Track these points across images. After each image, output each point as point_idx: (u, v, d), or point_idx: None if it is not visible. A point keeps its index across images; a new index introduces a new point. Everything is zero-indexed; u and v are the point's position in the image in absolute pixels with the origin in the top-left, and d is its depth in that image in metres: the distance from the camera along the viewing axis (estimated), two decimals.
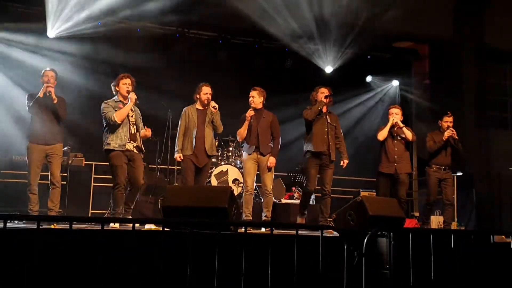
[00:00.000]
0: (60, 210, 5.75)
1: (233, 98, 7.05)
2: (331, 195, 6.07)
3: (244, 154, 6.04)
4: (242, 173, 7.20)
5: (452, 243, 3.22)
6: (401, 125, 6.38)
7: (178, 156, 5.92)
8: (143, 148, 5.77)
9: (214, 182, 7.53)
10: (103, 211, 7.19)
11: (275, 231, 2.89)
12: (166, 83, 8.15)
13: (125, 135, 5.47)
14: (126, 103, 5.54)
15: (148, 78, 7.24)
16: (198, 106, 6.06)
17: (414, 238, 3.10)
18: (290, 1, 8.47)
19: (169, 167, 7.65)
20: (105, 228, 2.69)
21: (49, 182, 5.67)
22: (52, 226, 4.50)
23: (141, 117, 5.84)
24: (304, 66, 9.75)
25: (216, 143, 8.00)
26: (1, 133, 7.77)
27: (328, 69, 9.78)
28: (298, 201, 7.97)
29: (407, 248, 3.07)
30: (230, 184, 7.57)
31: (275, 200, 7.29)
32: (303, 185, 8.28)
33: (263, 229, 5.15)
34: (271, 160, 5.96)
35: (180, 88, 7.70)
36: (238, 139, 6.13)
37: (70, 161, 7.16)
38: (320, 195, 6.03)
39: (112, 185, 5.55)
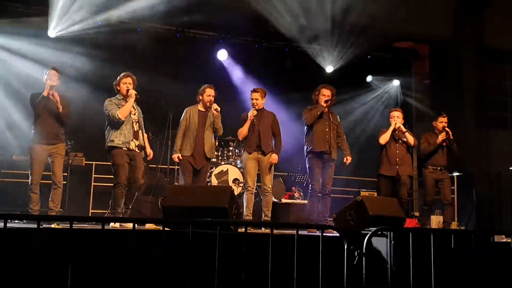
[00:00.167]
0: (61, 210, 5.75)
1: (233, 98, 7.06)
2: (331, 195, 6.09)
3: (245, 154, 6.04)
4: (242, 173, 7.21)
5: (452, 243, 3.22)
6: (404, 129, 6.38)
7: (175, 156, 5.94)
8: (145, 144, 5.78)
9: (214, 182, 7.53)
10: (103, 211, 7.19)
11: (275, 231, 2.89)
12: (166, 82, 8.14)
13: (128, 132, 5.50)
14: (128, 100, 5.57)
15: (148, 78, 7.22)
16: (200, 107, 6.08)
17: (414, 238, 3.10)
18: (290, 1, 8.47)
19: (169, 166, 7.65)
20: (105, 228, 2.69)
21: (50, 182, 5.68)
22: (53, 226, 4.51)
23: (142, 116, 5.85)
24: (304, 66, 9.75)
25: (216, 143, 8.02)
26: (1, 133, 7.77)
27: (329, 69, 9.77)
28: (298, 201, 7.97)
29: (407, 248, 3.07)
30: (230, 184, 7.57)
31: (275, 200, 7.29)
32: (303, 185, 8.29)
33: (263, 229, 5.15)
34: (274, 157, 6.00)
35: (180, 88, 7.70)
36: (239, 138, 6.13)
37: (70, 161, 7.16)
38: (320, 194, 6.03)
39: (112, 184, 5.55)
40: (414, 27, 9.48)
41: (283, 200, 8.00)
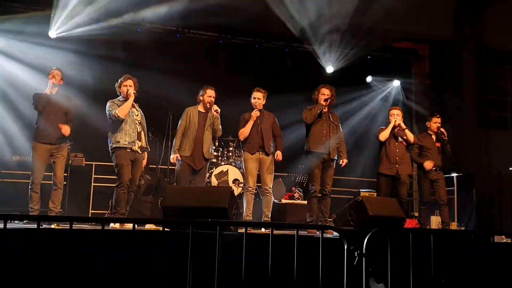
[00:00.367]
0: (61, 210, 5.76)
1: (233, 98, 7.05)
2: (331, 195, 6.09)
3: (246, 154, 6.01)
4: (242, 173, 7.21)
5: (452, 244, 3.22)
6: (404, 126, 6.38)
7: (174, 156, 5.93)
8: (148, 147, 5.82)
9: (214, 182, 7.53)
10: (103, 211, 7.19)
11: (275, 231, 2.89)
12: (166, 83, 8.14)
13: (133, 132, 5.53)
14: None
15: (148, 78, 7.22)
16: (201, 108, 6.09)
17: (414, 238, 3.10)
18: (290, 1, 8.47)
19: (169, 167, 7.65)
20: (105, 229, 2.69)
21: (51, 182, 5.69)
22: (53, 226, 4.51)
23: (144, 118, 5.88)
24: (304, 66, 9.76)
25: (217, 143, 8.05)
26: (1, 133, 7.77)
27: (329, 69, 9.78)
28: (298, 201, 7.97)
29: (407, 248, 3.07)
30: (230, 184, 7.57)
31: (275, 200, 7.29)
32: (303, 185, 8.29)
33: (263, 229, 5.15)
34: (279, 154, 6.04)
35: (180, 88, 7.70)
36: (240, 138, 6.11)
37: (70, 161, 7.17)
38: (320, 195, 6.03)
39: (115, 184, 5.55)
40: (414, 27, 9.48)
41: (283, 201, 8.00)
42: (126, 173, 5.43)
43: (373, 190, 8.29)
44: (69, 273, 2.60)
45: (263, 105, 6.12)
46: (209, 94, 6.02)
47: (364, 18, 8.59)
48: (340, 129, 6.23)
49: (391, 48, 10.66)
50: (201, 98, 6.08)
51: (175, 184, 7.06)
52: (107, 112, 5.56)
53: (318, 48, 9.53)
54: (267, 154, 5.97)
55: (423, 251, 3.12)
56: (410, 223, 7.94)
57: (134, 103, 5.70)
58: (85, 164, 7.70)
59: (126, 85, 5.63)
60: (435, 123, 6.78)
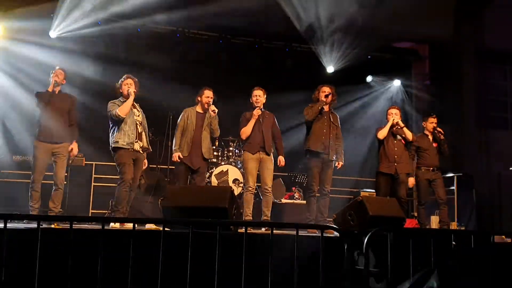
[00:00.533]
0: (61, 210, 5.75)
1: (233, 98, 7.06)
2: (331, 195, 6.10)
3: (246, 153, 6.02)
4: (242, 173, 7.21)
5: (452, 243, 3.22)
6: (402, 124, 6.39)
7: (176, 155, 5.95)
8: (149, 148, 5.85)
9: (214, 182, 7.53)
10: (103, 211, 7.19)
11: (275, 231, 2.89)
12: (166, 83, 8.15)
13: (132, 133, 5.52)
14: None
15: (148, 78, 7.23)
16: (199, 109, 6.11)
17: (414, 238, 3.10)
18: (291, 2, 8.48)
19: (169, 167, 7.65)
20: (105, 228, 2.69)
21: (51, 182, 5.69)
22: (53, 226, 4.51)
23: (145, 119, 5.90)
24: (304, 66, 9.76)
25: (217, 143, 8.05)
26: (2, 133, 7.77)
27: (330, 69, 9.78)
28: (298, 201, 7.97)
29: (407, 248, 3.07)
30: (231, 184, 7.57)
31: (275, 200, 7.29)
32: (303, 185, 8.29)
33: (263, 229, 5.15)
34: (282, 159, 6.13)
35: (180, 88, 7.71)
36: (242, 137, 6.10)
37: (70, 161, 7.17)
38: (319, 195, 6.04)
39: (116, 183, 5.55)
40: (414, 28, 9.48)
41: (283, 200, 8.00)
42: (129, 171, 5.44)
43: (373, 190, 8.29)
44: (69, 273, 2.60)
45: (263, 105, 6.12)
46: (207, 94, 6.05)
47: (365, 19, 8.59)
48: (340, 130, 6.23)
49: (391, 48, 10.67)
50: (199, 98, 6.11)
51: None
52: (108, 113, 5.58)
53: (320, 48, 9.54)
54: (268, 154, 5.98)
55: (423, 251, 3.12)
56: (410, 223, 7.94)
57: (135, 104, 5.72)
58: (85, 164, 7.70)
59: (127, 84, 5.64)
60: (431, 123, 6.80)
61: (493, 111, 10.23)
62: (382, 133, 6.41)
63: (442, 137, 6.70)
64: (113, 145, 5.50)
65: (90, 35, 8.19)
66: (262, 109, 6.09)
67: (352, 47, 9.47)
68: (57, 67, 5.88)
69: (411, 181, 6.67)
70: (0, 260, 2.55)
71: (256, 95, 6.05)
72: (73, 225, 2.69)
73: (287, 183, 8.53)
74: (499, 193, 9.22)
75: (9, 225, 2.71)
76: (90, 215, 7.58)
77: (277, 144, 6.15)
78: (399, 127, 6.39)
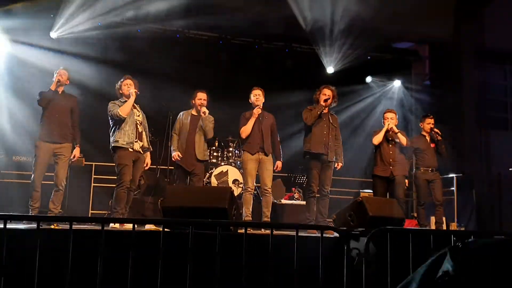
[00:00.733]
0: (61, 211, 5.75)
1: (233, 99, 7.05)
2: (330, 196, 6.10)
3: (246, 154, 6.02)
4: (242, 174, 7.21)
5: (452, 244, 3.22)
6: (396, 130, 6.42)
7: (175, 154, 6.05)
8: (150, 147, 5.88)
9: (214, 182, 7.53)
10: (103, 211, 7.19)
11: (275, 232, 2.89)
12: (166, 83, 8.15)
13: (132, 132, 5.55)
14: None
15: (148, 78, 7.23)
16: (194, 111, 6.22)
17: (414, 239, 3.10)
18: (291, 2, 8.47)
19: (169, 167, 7.65)
20: (105, 229, 2.69)
21: (52, 183, 5.68)
22: (53, 226, 4.51)
23: (146, 119, 5.92)
24: (304, 66, 9.76)
25: (216, 143, 8.05)
26: (2, 134, 7.77)
27: (330, 70, 9.78)
28: (298, 202, 7.97)
29: (406, 248, 3.07)
30: (230, 184, 7.57)
31: (275, 201, 7.29)
32: (303, 186, 8.29)
33: (263, 230, 5.16)
34: (279, 165, 6.19)
35: (180, 89, 7.71)
36: (242, 136, 6.11)
37: (70, 162, 7.17)
38: (319, 195, 6.04)
39: (115, 184, 5.55)
40: (414, 28, 9.48)
41: (283, 201, 7.99)
42: (127, 173, 5.45)
43: (372, 191, 8.29)
44: (69, 273, 2.60)
45: (262, 105, 6.13)
46: (199, 97, 6.13)
47: (365, 19, 8.59)
48: (339, 131, 6.24)
49: (391, 48, 10.67)
50: (193, 101, 6.18)
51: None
52: (108, 113, 5.60)
53: (321, 48, 9.54)
54: (266, 155, 5.99)
55: (422, 251, 3.12)
56: (410, 224, 7.94)
57: (135, 104, 5.74)
58: (85, 164, 7.70)
59: (126, 84, 5.68)
60: (428, 123, 6.83)
61: (493, 111, 10.23)
62: (377, 139, 6.45)
63: (439, 137, 6.72)
64: (113, 145, 5.52)
65: (90, 36, 8.19)
66: (262, 110, 6.09)
67: (352, 47, 9.47)
68: (61, 67, 5.89)
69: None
70: (0, 261, 2.55)
71: (256, 95, 6.07)
72: (73, 226, 2.68)
73: (287, 184, 8.53)
74: (499, 193, 9.22)
75: (9, 225, 2.71)
76: (89, 215, 7.58)
77: (276, 149, 6.17)
78: (393, 132, 6.41)
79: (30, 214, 5.43)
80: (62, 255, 2.69)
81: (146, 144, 5.73)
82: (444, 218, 7.22)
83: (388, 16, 8.50)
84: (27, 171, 7.02)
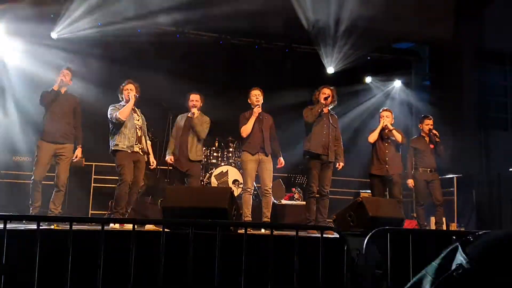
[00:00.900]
0: (61, 211, 5.75)
1: (233, 99, 7.06)
2: (330, 196, 6.11)
3: (246, 154, 6.02)
4: (242, 174, 7.21)
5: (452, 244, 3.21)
6: (391, 127, 6.46)
7: (169, 158, 6.17)
8: (149, 150, 5.92)
9: (214, 183, 7.53)
10: (103, 212, 7.19)
11: (275, 232, 2.89)
12: (166, 83, 8.15)
13: (132, 136, 5.57)
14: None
15: (148, 79, 7.23)
16: (189, 113, 6.25)
17: (414, 239, 3.10)
18: (291, 2, 8.48)
19: (169, 168, 7.65)
20: (105, 229, 2.69)
21: (52, 183, 5.68)
22: (53, 227, 4.51)
23: (145, 124, 5.95)
24: (304, 67, 9.75)
25: (216, 143, 8.06)
26: (2, 134, 7.77)
27: (330, 70, 9.78)
28: (297, 202, 7.97)
29: (406, 249, 3.07)
30: (230, 185, 7.57)
31: (275, 201, 7.29)
32: (303, 186, 8.29)
33: (263, 230, 5.16)
34: (282, 161, 6.20)
35: (180, 89, 7.70)
36: (242, 135, 6.10)
37: (71, 162, 7.17)
38: (319, 195, 6.04)
39: (116, 184, 5.55)
40: (414, 28, 9.48)
41: (283, 201, 7.99)
42: (128, 172, 5.46)
43: None
44: (69, 274, 2.60)
45: (262, 107, 6.14)
46: (191, 98, 6.19)
47: (365, 20, 8.59)
48: (339, 131, 6.25)
49: (391, 48, 10.67)
50: (187, 104, 6.22)
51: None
52: (108, 116, 5.61)
53: (322, 48, 9.55)
54: (267, 155, 6.00)
55: (422, 252, 3.12)
56: (409, 224, 7.94)
57: (136, 108, 5.80)
58: (85, 164, 7.69)
59: (127, 89, 5.71)
60: (427, 125, 6.88)
61: (493, 111, 10.23)
62: (373, 137, 6.50)
63: (437, 139, 6.77)
64: (113, 148, 5.55)
65: (90, 36, 8.19)
66: (262, 110, 6.10)
67: (353, 48, 9.48)
68: (64, 67, 5.88)
69: (410, 182, 6.72)
70: (0, 261, 2.55)
71: (256, 95, 6.09)
72: (73, 226, 2.68)
73: (287, 184, 8.52)
74: (499, 194, 9.22)
75: (9, 225, 2.71)
76: (89, 216, 7.58)
77: (275, 148, 6.18)
78: (388, 130, 6.45)
79: (30, 213, 5.43)
80: (62, 255, 2.69)
81: (145, 148, 5.76)
82: (444, 219, 7.24)
83: (388, 16, 8.50)
84: (28, 171, 7.03)
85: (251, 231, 4.98)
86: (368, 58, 10.19)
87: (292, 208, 7.79)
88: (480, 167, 9.38)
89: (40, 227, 2.66)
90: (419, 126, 7.05)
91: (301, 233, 3.32)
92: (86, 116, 7.38)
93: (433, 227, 6.90)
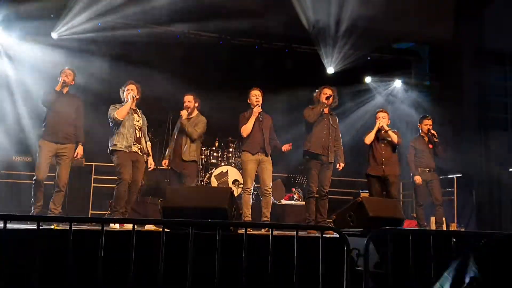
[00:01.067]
0: (61, 211, 5.75)
1: (233, 99, 7.05)
2: (330, 196, 6.11)
3: (246, 154, 6.02)
4: (242, 174, 7.21)
5: (452, 242, 3.22)
6: (387, 128, 6.47)
7: (163, 162, 6.26)
8: (149, 151, 5.93)
9: (214, 183, 7.53)
10: (103, 212, 7.19)
11: (275, 232, 2.89)
12: (166, 84, 8.15)
13: (130, 136, 5.59)
14: (132, 107, 5.77)
15: (148, 79, 7.24)
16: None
17: (414, 239, 3.10)
18: (291, 3, 8.48)
19: (168, 168, 7.64)
20: (105, 229, 2.69)
21: (53, 183, 5.68)
22: (53, 227, 4.50)
23: (146, 125, 5.96)
24: (304, 67, 9.75)
25: (216, 144, 8.06)
26: (2, 134, 7.77)
27: (330, 70, 9.78)
28: (297, 202, 7.97)
29: (406, 249, 3.07)
30: (230, 185, 7.57)
31: (275, 201, 7.29)
32: (303, 186, 8.29)
33: (262, 230, 5.16)
34: (286, 146, 6.16)
35: (180, 89, 7.70)
36: (243, 135, 6.10)
37: (73, 161, 7.17)
38: (318, 196, 6.04)
39: (115, 185, 5.56)
40: (414, 28, 9.48)
41: (283, 201, 8.00)
42: (127, 171, 5.48)
43: None
44: (69, 274, 2.60)
45: (261, 107, 6.14)
46: (185, 99, 6.24)
47: (365, 20, 8.59)
48: (339, 132, 6.26)
49: (391, 48, 10.67)
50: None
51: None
52: (108, 115, 5.64)
53: (322, 49, 9.55)
54: (266, 155, 6.00)
55: (422, 252, 3.12)
56: (409, 224, 7.94)
57: (137, 109, 5.82)
58: (85, 164, 7.70)
59: (129, 89, 5.75)
60: (426, 125, 6.91)
61: (493, 111, 10.22)
62: (369, 138, 6.51)
63: (436, 139, 6.78)
64: (111, 148, 5.58)
65: (90, 36, 8.19)
66: (261, 110, 6.10)
67: (353, 48, 9.48)
68: (67, 67, 5.88)
69: (417, 178, 6.72)
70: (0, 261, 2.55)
71: (255, 95, 6.09)
72: (73, 226, 2.68)
73: (287, 184, 8.52)
74: (499, 194, 9.22)
75: (9, 225, 2.71)
76: (89, 216, 7.58)
77: (275, 145, 6.19)
78: (384, 131, 6.46)
79: (32, 213, 5.43)
80: (62, 255, 2.69)
81: (144, 148, 5.77)
82: (444, 219, 7.24)
83: (388, 16, 8.50)
84: (27, 171, 7.03)
85: (251, 231, 4.98)
86: (368, 58, 10.19)
87: (292, 208, 7.79)
88: (480, 167, 9.37)
89: (40, 227, 2.66)
90: (418, 126, 7.08)
91: (301, 233, 3.32)
92: (86, 116, 7.40)
93: (433, 227, 6.91)
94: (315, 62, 9.62)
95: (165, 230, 2.81)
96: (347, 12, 8.54)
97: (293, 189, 8.45)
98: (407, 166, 7.00)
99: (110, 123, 5.68)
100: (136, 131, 5.67)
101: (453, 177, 8.74)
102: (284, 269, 2.81)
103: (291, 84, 9.19)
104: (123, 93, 5.79)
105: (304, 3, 8.59)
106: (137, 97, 5.76)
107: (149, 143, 6.01)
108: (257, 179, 6.13)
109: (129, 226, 4.61)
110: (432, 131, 6.81)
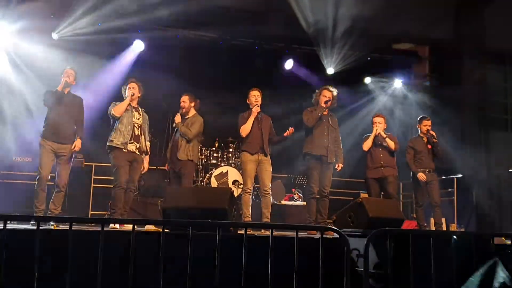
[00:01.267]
0: (61, 211, 5.74)
1: (233, 99, 7.05)
2: (330, 196, 6.11)
3: (245, 154, 6.02)
4: (241, 174, 7.21)
5: (452, 245, 3.22)
6: (384, 135, 6.50)
7: (166, 165, 6.34)
8: (148, 150, 5.93)
9: (214, 183, 7.53)
10: (103, 212, 7.19)
11: (275, 233, 2.89)
12: (166, 84, 8.15)
13: (127, 133, 5.58)
14: (133, 105, 5.79)
15: (149, 79, 7.23)
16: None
17: (414, 239, 3.10)
18: (291, 3, 8.48)
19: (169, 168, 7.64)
20: (105, 229, 2.69)
21: (53, 183, 5.67)
22: (53, 227, 4.50)
23: (147, 124, 5.96)
24: (304, 68, 9.75)
25: (216, 144, 8.06)
26: (2, 134, 7.77)
27: (330, 71, 9.78)
28: (297, 203, 7.97)
29: (406, 249, 3.07)
30: (230, 185, 7.57)
31: (275, 202, 7.29)
32: (303, 187, 8.29)
33: (263, 230, 5.15)
34: (289, 132, 6.07)
35: (180, 89, 7.71)
36: (242, 135, 6.10)
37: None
38: (319, 196, 6.04)
39: (112, 185, 5.58)
40: (414, 29, 9.48)
41: (283, 202, 7.99)
42: (122, 174, 5.50)
43: None
44: (69, 274, 2.60)
45: (260, 107, 6.14)
46: (181, 100, 6.28)
47: (365, 20, 8.59)
48: (338, 132, 6.26)
49: (391, 49, 10.66)
50: None
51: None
52: (108, 112, 5.69)
53: (321, 49, 9.55)
54: (266, 155, 6.00)
55: (422, 252, 3.12)
56: (409, 224, 7.94)
57: (138, 107, 5.85)
58: (84, 165, 7.70)
59: (130, 87, 5.78)
60: (425, 125, 6.92)
61: (493, 111, 10.22)
62: (367, 145, 6.58)
63: (435, 140, 6.78)
64: (108, 144, 5.61)
65: (90, 36, 8.19)
66: (260, 111, 6.11)
67: (353, 48, 9.47)
68: (68, 67, 5.87)
69: (421, 175, 6.69)
70: (0, 261, 2.55)
71: (255, 95, 6.10)
72: (73, 226, 2.68)
73: (287, 185, 8.52)
74: (499, 195, 9.21)
75: (9, 225, 2.71)
76: (89, 216, 7.58)
77: (277, 138, 6.21)
78: (381, 137, 6.48)
79: (34, 214, 5.41)
80: (62, 255, 2.69)
81: (144, 148, 5.76)
82: (444, 219, 7.24)
83: (388, 16, 8.50)
84: (27, 172, 7.03)
85: (251, 232, 4.98)
86: (368, 58, 10.19)
87: (292, 209, 7.79)
88: (480, 167, 9.36)
89: (40, 227, 2.66)
90: (417, 126, 7.08)
91: (301, 234, 3.31)
92: (86, 116, 7.40)
93: (433, 227, 6.91)
94: (315, 62, 9.61)
95: (165, 230, 2.81)
96: (347, 13, 8.54)
97: (293, 189, 8.45)
98: (406, 168, 6.99)
99: (111, 121, 5.71)
100: (135, 128, 5.68)
101: (453, 177, 8.73)
102: (284, 269, 2.81)
103: (291, 84, 9.20)
104: (124, 91, 5.82)
105: (304, 3, 8.59)
106: (138, 95, 5.78)
107: (148, 143, 6.00)
108: (257, 179, 6.13)
109: (129, 227, 4.61)
110: (431, 132, 6.82)
